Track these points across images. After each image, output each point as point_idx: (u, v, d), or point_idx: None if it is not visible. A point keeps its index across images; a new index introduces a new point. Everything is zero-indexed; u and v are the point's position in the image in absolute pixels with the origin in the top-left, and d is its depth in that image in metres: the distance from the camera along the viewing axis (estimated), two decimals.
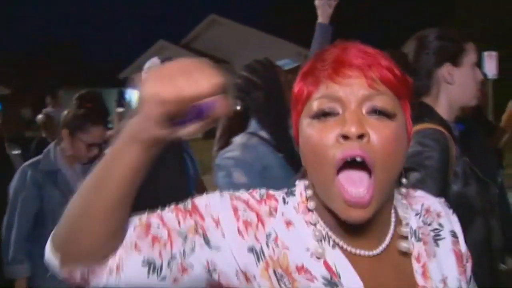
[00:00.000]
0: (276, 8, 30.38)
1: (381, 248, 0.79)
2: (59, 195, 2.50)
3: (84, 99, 3.10)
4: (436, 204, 0.89)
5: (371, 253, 0.79)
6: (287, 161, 1.92)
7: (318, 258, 0.77)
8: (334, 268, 0.76)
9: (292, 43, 20.82)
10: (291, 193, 0.84)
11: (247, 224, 0.78)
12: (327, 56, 0.77)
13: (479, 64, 1.75)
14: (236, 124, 3.55)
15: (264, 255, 0.77)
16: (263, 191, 0.84)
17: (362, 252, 0.78)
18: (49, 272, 0.79)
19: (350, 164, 0.72)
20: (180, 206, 0.81)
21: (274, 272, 0.76)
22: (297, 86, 0.81)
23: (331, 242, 0.78)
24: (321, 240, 0.78)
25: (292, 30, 23.13)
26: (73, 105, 3.02)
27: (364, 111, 0.73)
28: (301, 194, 0.83)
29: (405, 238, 0.81)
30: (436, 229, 0.85)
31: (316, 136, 0.74)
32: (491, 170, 2.55)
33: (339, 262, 0.77)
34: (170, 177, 2.27)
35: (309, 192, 0.82)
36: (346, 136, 0.71)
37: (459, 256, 0.86)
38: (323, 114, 0.74)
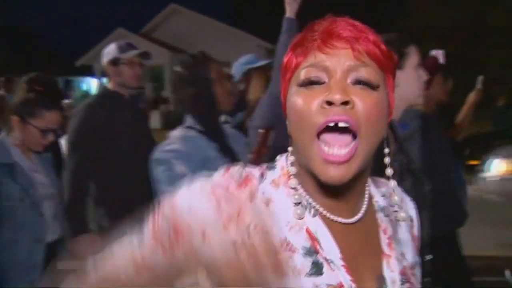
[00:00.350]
0: (238, 0, 30.30)
1: (357, 217, 0.83)
2: (18, 190, 2.33)
3: (34, 83, 2.79)
4: (397, 190, 0.94)
5: (348, 220, 0.82)
6: (223, 154, 1.98)
7: (299, 219, 0.80)
8: (315, 235, 0.80)
9: (253, 36, 20.85)
10: (271, 168, 0.86)
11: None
12: (316, 28, 0.80)
13: (422, 64, 1.85)
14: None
15: None
16: (240, 170, 0.82)
17: (340, 219, 0.82)
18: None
19: (333, 129, 0.75)
20: (157, 231, 0.73)
21: None
22: (287, 57, 0.83)
23: (312, 210, 0.81)
24: (301, 204, 0.81)
25: (253, 23, 23.18)
26: (21, 89, 2.73)
27: (349, 80, 0.76)
28: (282, 168, 0.85)
29: (376, 211, 0.88)
30: (396, 211, 0.91)
31: (302, 102, 0.76)
32: (448, 164, 2.72)
33: (319, 230, 0.80)
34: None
35: (291, 158, 0.84)
36: (331, 102, 0.73)
37: (414, 237, 0.94)
38: (310, 82, 0.77)
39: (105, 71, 2.87)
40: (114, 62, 2.81)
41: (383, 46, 0.79)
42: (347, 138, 0.75)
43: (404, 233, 0.91)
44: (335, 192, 0.80)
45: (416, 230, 0.95)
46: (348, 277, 0.79)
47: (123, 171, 2.67)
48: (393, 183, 0.91)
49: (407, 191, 1.63)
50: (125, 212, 2.51)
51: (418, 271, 0.91)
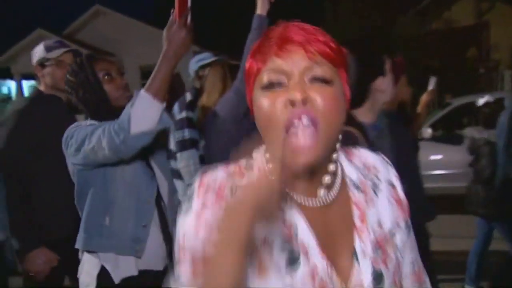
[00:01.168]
0: (167, 2, 29.77)
1: (330, 198, 0.90)
2: None
3: None
4: (375, 160, 1.00)
5: (323, 203, 0.89)
6: None
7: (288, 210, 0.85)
8: (290, 223, 0.85)
9: None
10: (249, 168, 0.92)
11: None
12: (271, 35, 0.87)
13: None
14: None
15: None
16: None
17: (316, 204, 0.88)
18: None
19: (296, 128, 0.81)
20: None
21: None
22: (248, 63, 0.90)
23: (287, 199, 0.86)
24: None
25: None
26: None
27: (306, 79, 0.83)
28: (259, 168, 0.91)
29: (349, 188, 0.93)
30: (374, 182, 0.97)
31: (267, 103, 0.84)
32: (415, 160, 2.85)
33: (294, 217, 0.86)
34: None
35: (267, 155, 0.91)
36: (293, 101, 0.81)
37: (398, 201, 0.98)
38: (272, 85, 0.84)
39: (35, 73, 2.68)
40: (41, 62, 2.64)
41: (332, 44, 0.86)
42: (310, 129, 0.81)
43: (383, 202, 0.95)
44: (308, 179, 0.86)
45: (399, 193, 0.99)
46: (324, 261, 0.85)
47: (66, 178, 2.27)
48: (364, 151, 1.01)
49: None
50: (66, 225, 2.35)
51: (399, 235, 0.95)
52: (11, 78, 19.58)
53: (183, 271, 0.84)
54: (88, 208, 1.98)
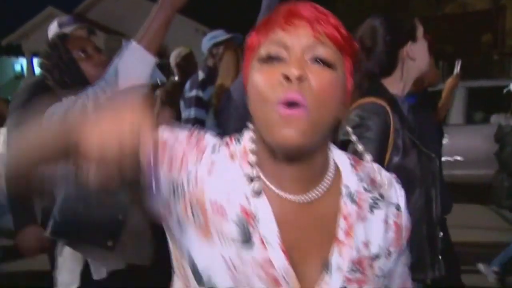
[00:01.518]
0: None
1: (310, 198, 0.84)
2: None
3: None
4: (386, 178, 0.93)
5: (299, 199, 0.84)
6: None
7: (256, 193, 0.82)
8: (252, 210, 0.82)
9: (191, 19, 20.49)
10: (238, 141, 0.89)
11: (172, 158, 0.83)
12: (280, 9, 0.83)
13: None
14: (173, 94, 3.40)
15: (184, 190, 0.83)
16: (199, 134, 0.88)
17: (290, 197, 0.83)
18: None
19: (287, 105, 0.78)
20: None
21: (191, 206, 0.82)
22: (250, 37, 0.86)
23: (259, 184, 0.83)
24: (254, 180, 0.83)
25: (191, 6, 22.73)
26: None
27: (306, 58, 0.79)
28: (244, 145, 0.87)
29: (342, 196, 0.87)
30: (376, 198, 0.90)
31: (262, 77, 0.80)
32: (436, 143, 2.69)
33: (260, 205, 0.82)
34: None
35: (251, 134, 0.87)
36: (288, 77, 0.76)
37: (398, 227, 0.91)
38: (269, 58, 0.80)
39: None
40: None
41: (343, 31, 0.82)
42: (302, 108, 0.77)
43: (378, 221, 0.89)
44: (290, 169, 0.83)
45: (403, 220, 0.92)
46: (283, 257, 0.80)
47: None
48: (376, 166, 0.93)
49: (412, 168, 1.58)
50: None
51: (386, 261, 0.89)
52: (23, 55, 19.61)
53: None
54: (64, 194, 1.81)
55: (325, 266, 0.83)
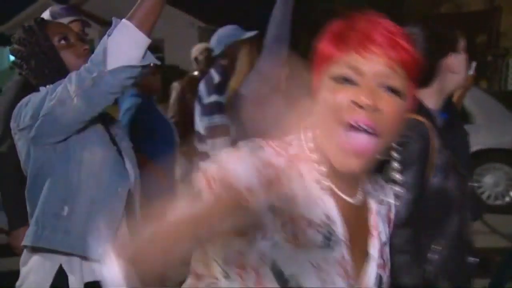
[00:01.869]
0: None
1: (358, 198, 0.93)
2: None
3: None
4: (378, 178, 1.05)
5: (352, 200, 0.92)
6: None
7: (323, 194, 0.88)
8: (327, 211, 0.87)
9: (186, 14, 20.40)
10: (288, 145, 0.90)
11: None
12: (358, 26, 0.85)
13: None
14: (191, 88, 3.23)
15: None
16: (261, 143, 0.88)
17: (347, 198, 0.91)
18: None
19: (356, 129, 0.82)
20: None
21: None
22: (326, 45, 0.87)
23: (328, 190, 0.89)
24: (322, 181, 0.89)
25: (187, 1, 22.64)
26: None
27: (378, 85, 0.82)
28: (299, 145, 0.91)
29: (367, 195, 0.98)
30: (380, 197, 1.02)
31: (332, 96, 0.83)
32: (467, 161, 2.76)
33: (331, 206, 0.88)
34: None
35: (310, 135, 0.91)
36: (359, 104, 0.80)
37: (390, 220, 1.04)
38: (342, 79, 0.83)
39: None
40: None
41: (414, 54, 0.85)
42: (372, 138, 0.82)
43: (382, 216, 1.01)
44: (348, 175, 0.88)
45: (392, 214, 1.05)
46: (347, 252, 0.88)
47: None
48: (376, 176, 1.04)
49: (452, 190, 1.52)
50: None
51: (387, 250, 1.02)
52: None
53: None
54: (44, 198, 1.65)
55: (367, 257, 0.94)
